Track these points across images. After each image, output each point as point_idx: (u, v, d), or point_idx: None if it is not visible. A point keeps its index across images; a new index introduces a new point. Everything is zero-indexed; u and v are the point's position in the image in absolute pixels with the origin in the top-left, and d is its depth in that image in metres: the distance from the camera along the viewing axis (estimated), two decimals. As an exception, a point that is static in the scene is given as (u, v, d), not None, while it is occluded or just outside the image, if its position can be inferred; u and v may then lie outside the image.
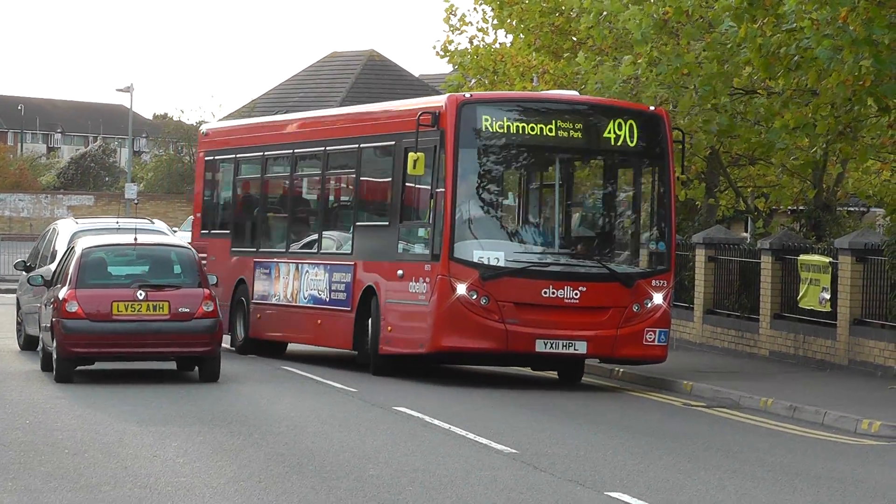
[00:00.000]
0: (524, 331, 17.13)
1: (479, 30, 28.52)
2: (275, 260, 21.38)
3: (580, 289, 17.32)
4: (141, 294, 18.15)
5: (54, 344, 18.15)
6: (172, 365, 19.19)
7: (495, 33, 27.83)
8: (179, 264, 19.08)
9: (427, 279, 17.39)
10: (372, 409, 16.11)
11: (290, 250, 21.22)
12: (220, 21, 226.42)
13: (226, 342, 20.66)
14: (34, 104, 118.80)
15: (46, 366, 18.98)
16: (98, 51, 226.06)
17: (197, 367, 18.71)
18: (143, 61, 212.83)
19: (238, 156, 23.22)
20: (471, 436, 13.33)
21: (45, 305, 19.36)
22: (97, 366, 19.03)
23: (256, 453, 12.32)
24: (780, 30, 17.05)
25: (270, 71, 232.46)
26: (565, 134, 17.74)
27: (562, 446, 13.09)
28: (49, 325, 18.52)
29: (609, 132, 17.66)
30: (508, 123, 17.54)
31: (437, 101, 18.46)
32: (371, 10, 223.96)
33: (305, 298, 20.33)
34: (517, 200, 18.93)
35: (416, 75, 68.56)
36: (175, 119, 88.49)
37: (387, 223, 18.70)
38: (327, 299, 19.77)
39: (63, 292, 18.16)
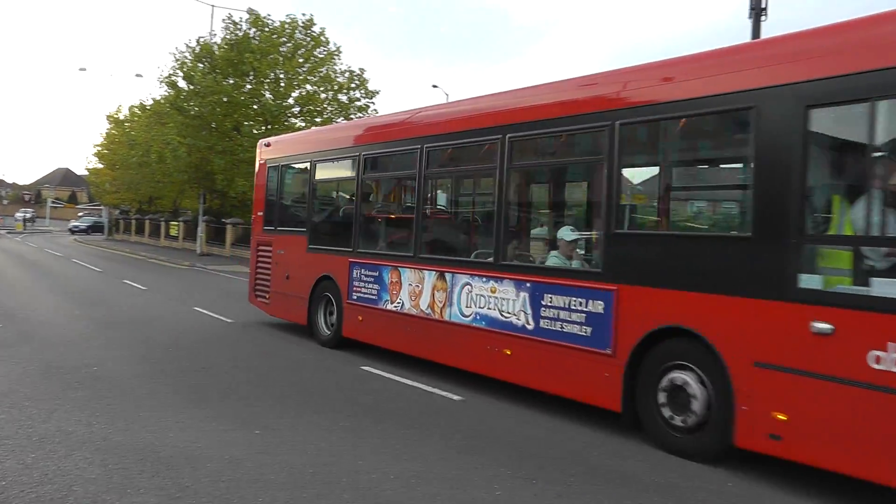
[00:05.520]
0: None
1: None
2: (389, 263, 14.17)
3: None
4: None
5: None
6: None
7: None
8: None
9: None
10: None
11: (425, 255, 13.48)
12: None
13: (301, 331, 17.19)
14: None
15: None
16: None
17: None
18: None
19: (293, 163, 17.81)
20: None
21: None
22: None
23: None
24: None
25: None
26: None
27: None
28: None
29: None
30: None
31: None
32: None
33: (472, 317, 12.20)
34: None
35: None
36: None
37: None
38: (530, 327, 11.27)
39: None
